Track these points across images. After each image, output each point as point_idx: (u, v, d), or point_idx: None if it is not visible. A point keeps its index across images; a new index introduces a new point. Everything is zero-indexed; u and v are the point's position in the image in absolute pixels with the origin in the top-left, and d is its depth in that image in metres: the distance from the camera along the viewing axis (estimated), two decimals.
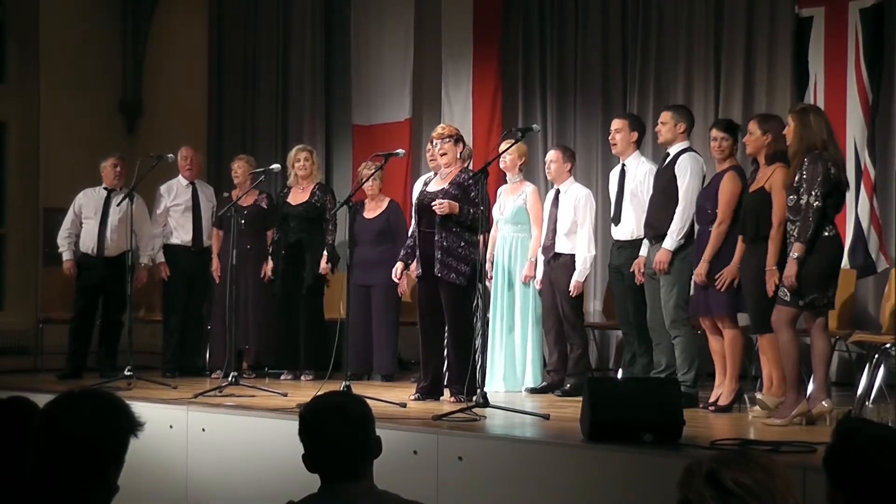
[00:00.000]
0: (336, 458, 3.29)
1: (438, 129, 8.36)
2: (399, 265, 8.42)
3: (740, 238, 7.16)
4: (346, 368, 8.07)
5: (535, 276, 8.93)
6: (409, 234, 8.46)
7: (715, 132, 7.57)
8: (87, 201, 10.19)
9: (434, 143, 8.29)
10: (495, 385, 8.75)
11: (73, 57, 12.50)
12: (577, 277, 8.68)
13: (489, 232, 8.73)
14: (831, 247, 6.53)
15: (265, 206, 10.10)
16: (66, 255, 10.17)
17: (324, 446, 3.30)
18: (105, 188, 10.20)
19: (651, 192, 8.00)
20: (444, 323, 8.07)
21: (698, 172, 7.79)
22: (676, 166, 7.79)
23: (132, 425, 2.88)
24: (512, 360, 8.97)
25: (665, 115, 7.99)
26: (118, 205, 9.83)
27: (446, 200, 7.88)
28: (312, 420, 3.35)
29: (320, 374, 9.36)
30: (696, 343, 7.82)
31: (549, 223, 8.83)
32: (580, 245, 8.73)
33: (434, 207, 7.90)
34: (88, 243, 10.09)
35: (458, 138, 8.24)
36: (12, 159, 12.56)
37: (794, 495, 2.55)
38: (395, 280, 8.61)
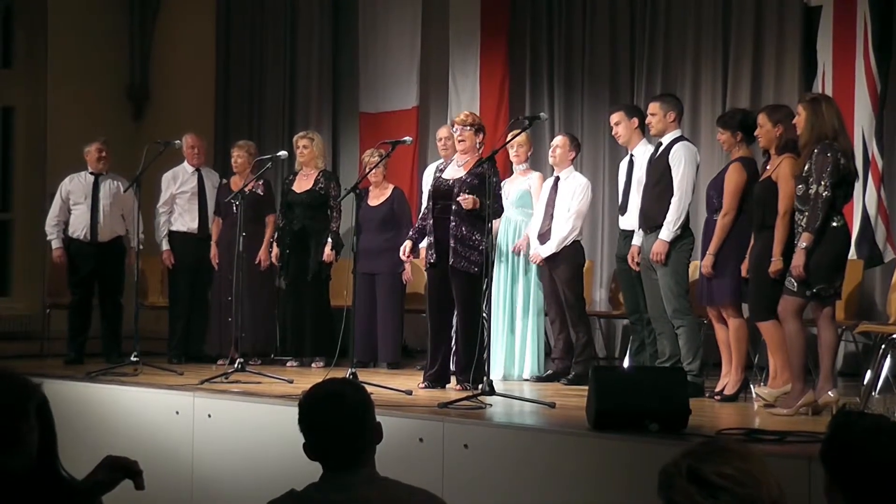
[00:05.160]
0: (336, 446, 3.27)
1: (461, 116, 8.36)
2: (408, 243, 8.39)
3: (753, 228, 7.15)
4: (351, 356, 8.08)
5: (525, 251, 8.95)
6: (421, 216, 8.44)
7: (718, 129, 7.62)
8: (75, 187, 10.16)
9: (455, 129, 8.30)
10: (495, 372, 8.74)
11: (81, 42, 12.51)
12: (542, 251, 8.69)
13: (499, 218, 8.71)
14: (839, 237, 6.51)
15: (261, 193, 10.09)
16: (56, 244, 10.14)
17: (323, 435, 3.29)
18: (91, 173, 10.19)
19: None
20: (453, 310, 8.06)
21: (692, 161, 7.81)
22: (670, 156, 7.80)
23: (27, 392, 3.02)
24: (512, 347, 8.97)
25: (653, 107, 7.99)
26: (125, 192, 9.83)
27: (471, 196, 7.86)
28: (310, 409, 3.34)
29: (327, 362, 9.41)
30: (699, 332, 7.83)
31: (546, 210, 8.83)
32: (557, 223, 8.72)
33: (460, 201, 7.88)
34: (80, 229, 10.07)
35: (479, 128, 8.21)
36: (20, 145, 12.58)
37: (773, 476, 2.55)
38: (403, 258, 8.57)
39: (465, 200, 7.85)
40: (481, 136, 8.24)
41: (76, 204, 10.11)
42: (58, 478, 3.08)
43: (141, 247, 9.85)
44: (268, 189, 10.23)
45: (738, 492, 2.49)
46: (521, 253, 8.96)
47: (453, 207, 7.94)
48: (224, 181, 10.28)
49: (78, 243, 10.08)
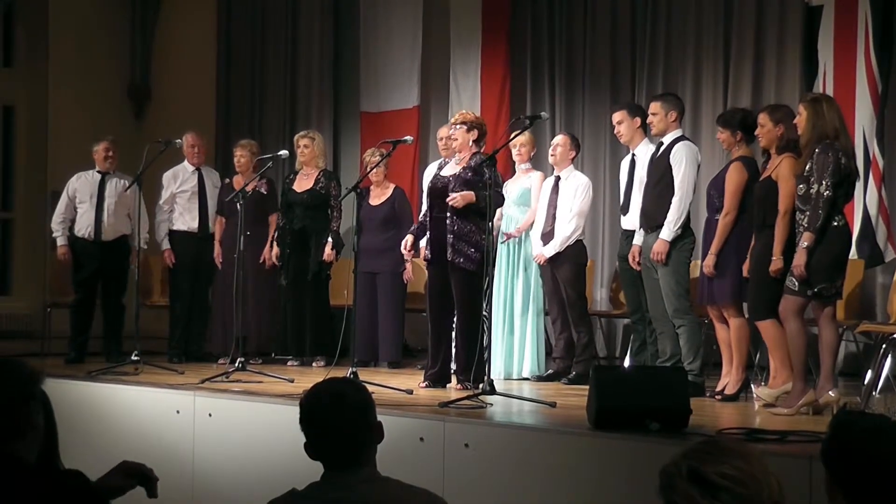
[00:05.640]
0: (336, 446, 3.27)
1: (455, 115, 8.40)
2: (409, 237, 8.39)
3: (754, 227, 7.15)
4: (352, 355, 8.08)
5: (514, 235, 9.00)
6: (422, 214, 8.46)
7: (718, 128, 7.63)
8: (82, 186, 10.17)
9: (450, 129, 8.33)
10: (495, 371, 8.74)
11: (82, 41, 12.50)
12: (546, 251, 8.70)
13: (500, 207, 8.70)
14: (840, 236, 6.51)
15: (265, 192, 10.10)
16: (61, 241, 10.16)
17: (324, 434, 3.29)
18: (98, 171, 10.20)
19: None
20: (454, 310, 8.06)
21: (693, 161, 7.82)
22: (671, 156, 7.80)
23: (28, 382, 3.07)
24: (511, 346, 8.97)
25: (654, 106, 8.00)
26: (126, 190, 9.84)
27: (459, 194, 7.85)
28: (311, 408, 3.34)
29: (328, 361, 9.40)
30: (700, 332, 7.83)
31: (548, 209, 8.84)
32: (560, 223, 8.73)
33: (449, 202, 7.87)
34: (85, 228, 10.08)
35: (471, 125, 8.17)
36: (20, 143, 12.57)
37: (773, 477, 2.55)
38: (404, 252, 8.56)
39: (454, 200, 7.84)
40: (475, 132, 8.18)
41: (81, 202, 10.12)
42: (60, 472, 3.09)
43: (145, 246, 9.87)
44: (271, 188, 10.23)
45: (738, 492, 2.49)
46: (511, 239, 8.97)
47: (449, 204, 7.94)
48: (227, 180, 10.28)
49: (83, 242, 10.08)
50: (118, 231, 10.07)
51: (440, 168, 8.38)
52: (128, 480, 3.26)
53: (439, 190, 8.09)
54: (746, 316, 7.38)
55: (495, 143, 8.97)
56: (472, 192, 7.83)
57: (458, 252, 7.88)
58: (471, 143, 8.16)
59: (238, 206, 8.75)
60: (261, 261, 9.91)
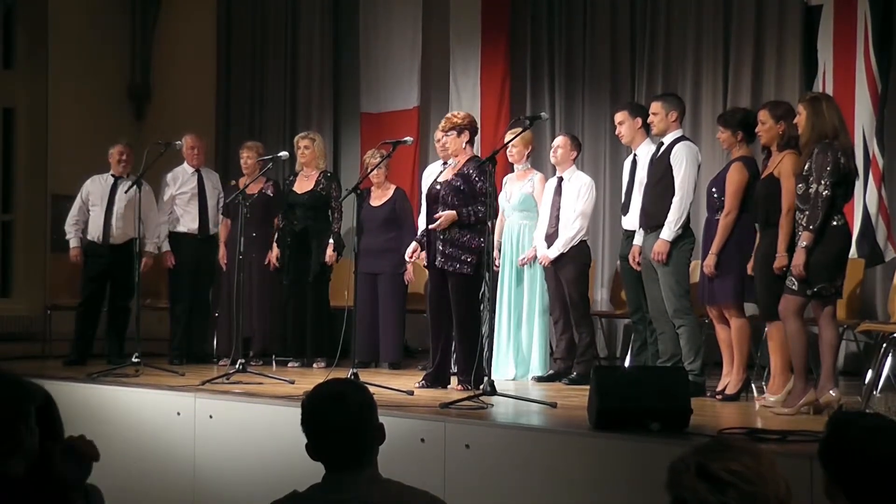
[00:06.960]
0: (338, 447, 3.28)
1: (442, 122, 8.35)
2: (414, 244, 8.41)
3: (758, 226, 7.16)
4: (353, 356, 8.07)
5: (534, 260, 8.96)
6: (422, 219, 8.46)
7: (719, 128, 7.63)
8: (95, 188, 10.19)
9: (441, 135, 8.31)
10: (503, 373, 8.76)
11: (82, 42, 12.50)
12: (550, 253, 8.70)
13: (496, 219, 8.71)
14: (840, 236, 6.51)
15: (271, 194, 10.10)
16: (73, 243, 10.18)
17: (325, 435, 3.30)
18: (112, 175, 10.21)
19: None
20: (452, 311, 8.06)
21: (693, 161, 7.82)
22: (672, 156, 7.81)
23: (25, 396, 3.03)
24: (519, 348, 8.98)
25: (655, 106, 8.00)
26: (126, 192, 9.84)
27: (443, 215, 7.86)
28: (312, 409, 3.35)
29: (329, 362, 9.39)
30: (700, 332, 7.83)
31: (551, 211, 8.84)
32: (563, 223, 8.73)
33: (431, 229, 7.89)
34: (94, 231, 10.08)
35: (461, 128, 8.12)
36: (20, 145, 12.56)
37: (781, 476, 2.56)
38: (407, 259, 8.55)
39: (438, 225, 7.85)
40: (467, 133, 8.15)
41: (94, 206, 10.13)
42: (58, 479, 3.08)
43: (156, 251, 9.93)
44: (277, 190, 10.23)
45: (745, 489, 2.49)
46: (528, 264, 8.97)
47: (440, 210, 7.94)
48: (234, 182, 10.28)
49: (93, 245, 10.09)
50: (127, 234, 10.04)
51: (441, 172, 8.37)
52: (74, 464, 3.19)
53: (433, 197, 8.09)
54: (748, 316, 7.39)
55: (495, 144, 8.96)
56: (454, 212, 7.82)
57: (449, 258, 7.88)
58: (464, 146, 8.14)
59: (243, 208, 8.76)
60: (265, 262, 9.92)
